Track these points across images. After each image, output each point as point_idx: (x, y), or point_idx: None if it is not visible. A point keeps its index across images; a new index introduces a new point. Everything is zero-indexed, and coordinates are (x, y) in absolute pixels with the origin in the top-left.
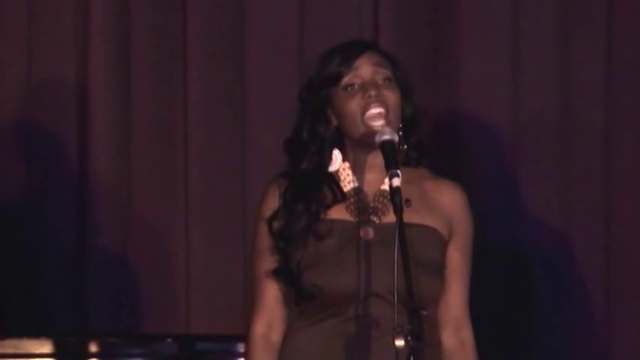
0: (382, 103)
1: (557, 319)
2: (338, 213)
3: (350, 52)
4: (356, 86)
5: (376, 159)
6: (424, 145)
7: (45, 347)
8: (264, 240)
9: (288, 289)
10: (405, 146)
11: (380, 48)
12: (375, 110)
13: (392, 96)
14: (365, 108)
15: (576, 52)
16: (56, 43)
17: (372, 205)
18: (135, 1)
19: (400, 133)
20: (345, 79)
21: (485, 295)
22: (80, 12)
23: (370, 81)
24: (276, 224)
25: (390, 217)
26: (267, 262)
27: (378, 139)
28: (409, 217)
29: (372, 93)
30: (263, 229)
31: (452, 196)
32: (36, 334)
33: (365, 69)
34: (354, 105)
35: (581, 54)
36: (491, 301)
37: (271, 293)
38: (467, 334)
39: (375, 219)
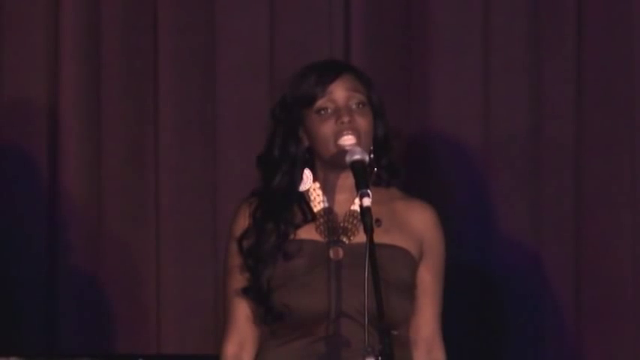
0: (354, 130)
1: (528, 340)
2: (307, 233)
3: (325, 74)
4: (329, 110)
5: (347, 180)
6: (395, 166)
7: None
8: (235, 258)
9: (259, 308)
10: (376, 168)
11: (355, 69)
12: (347, 137)
13: (364, 122)
14: (337, 135)
15: (547, 73)
16: (27, 64)
17: (342, 225)
18: (106, 21)
19: (371, 155)
20: (319, 103)
21: (457, 316)
22: (51, 32)
23: (344, 106)
24: (245, 243)
25: (360, 238)
26: (237, 280)
27: (348, 159)
28: (379, 237)
29: (345, 119)
30: (233, 247)
31: (423, 217)
32: (6, 354)
33: (339, 94)
34: (326, 130)
35: (552, 74)
36: (463, 321)
37: (242, 312)
38: (439, 355)
39: (345, 239)
